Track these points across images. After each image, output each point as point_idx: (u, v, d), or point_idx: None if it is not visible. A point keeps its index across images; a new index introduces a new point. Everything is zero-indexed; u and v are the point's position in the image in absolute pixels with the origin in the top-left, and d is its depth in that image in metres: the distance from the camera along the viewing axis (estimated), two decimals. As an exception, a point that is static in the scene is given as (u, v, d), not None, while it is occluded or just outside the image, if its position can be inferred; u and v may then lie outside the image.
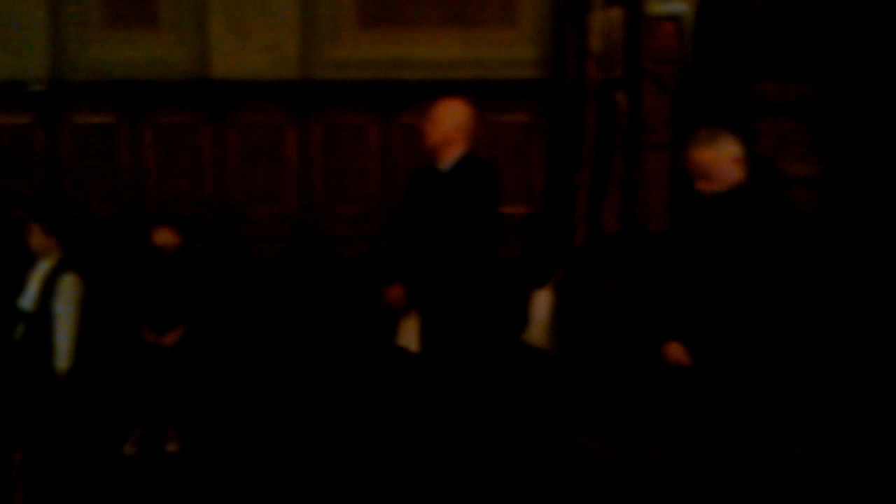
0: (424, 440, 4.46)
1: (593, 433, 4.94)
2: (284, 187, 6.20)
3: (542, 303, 5.37)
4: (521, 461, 4.73)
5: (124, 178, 6.32)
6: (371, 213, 6.05)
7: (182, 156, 6.23)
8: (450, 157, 4.39)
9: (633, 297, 5.38)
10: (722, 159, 3.76)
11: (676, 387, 3.91)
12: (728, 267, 3.60)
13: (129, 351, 4.98)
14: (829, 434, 4.69)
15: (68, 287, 4.67)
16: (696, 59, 5.89)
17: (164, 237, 4.99)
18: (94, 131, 6.30)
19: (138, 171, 6.31)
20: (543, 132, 5.92)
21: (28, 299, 4.72)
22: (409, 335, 4.42)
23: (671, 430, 4.39)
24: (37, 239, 4.75)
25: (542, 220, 5.91)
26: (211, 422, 5.19)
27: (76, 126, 6.32)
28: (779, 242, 3.59)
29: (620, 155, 5.77)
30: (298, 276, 6.07)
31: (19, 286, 4.78)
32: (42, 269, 4.74)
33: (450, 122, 4.38)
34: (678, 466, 4.09)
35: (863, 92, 5.88)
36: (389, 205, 5.71)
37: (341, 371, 5.66)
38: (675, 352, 3.77)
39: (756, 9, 5.22)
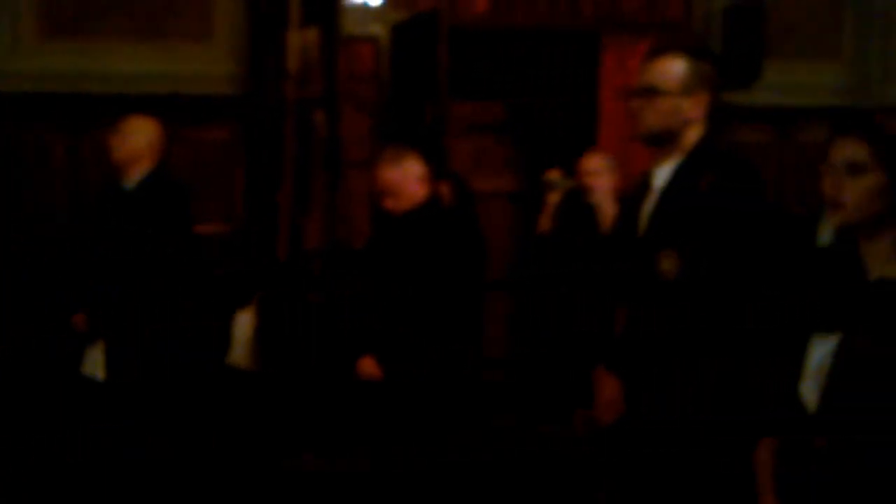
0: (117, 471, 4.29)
1: (313, 449, 4.94)
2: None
3: (244, 323, 5.30)
4: (240, 485, 4.65)
5: None
6: (58, 234, 5.70)
7: None
8: (136, 174, 4.30)
9: (333, 313, 5.44)
10: (406, 178, 3.90)
11: (375, 399, 4.00)
12: (411, 282, 3.74)
13: None
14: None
15: None
16: (393, 80, 6.07)
17: None
18: None
19: None
20: (243, 149, 5.85)
21: None
22: (95, 362, 4.27)
23: (379, 440, 4.48)
24: None
25: (243, 239, 5.83)
26: None
27: None
28: (453, 258, 3.77)
29: (321, 173, 5.84)
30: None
31: None
32: None
33: (135, 139, 4.29)
34: (389, 477, 4.18)
35: (543, 113, 6.34)
36: (76, 225, 5.43)
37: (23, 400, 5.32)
38: (368, 366, 3.87)
39: (444, 33, 5.47)
